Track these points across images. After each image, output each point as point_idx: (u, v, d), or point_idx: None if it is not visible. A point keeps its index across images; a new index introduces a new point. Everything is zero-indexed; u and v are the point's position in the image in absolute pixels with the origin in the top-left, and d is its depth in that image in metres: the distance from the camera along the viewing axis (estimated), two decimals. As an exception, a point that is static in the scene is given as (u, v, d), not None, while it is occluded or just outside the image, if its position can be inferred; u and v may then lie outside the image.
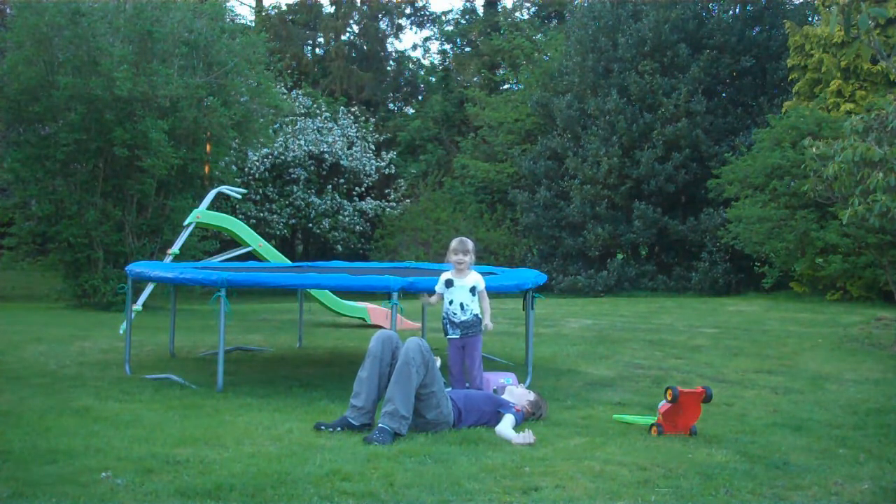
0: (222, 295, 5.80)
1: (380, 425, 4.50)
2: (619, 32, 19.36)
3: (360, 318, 10.93)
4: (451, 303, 5.51)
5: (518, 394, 5.18)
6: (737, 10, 19.71)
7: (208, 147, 14.57)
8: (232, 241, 10.85)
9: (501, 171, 22.87)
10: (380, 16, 29.73)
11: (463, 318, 5.48)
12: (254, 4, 28.63)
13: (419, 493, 3.57)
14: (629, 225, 18.63)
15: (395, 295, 5.75)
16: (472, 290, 5.49)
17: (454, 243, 5.57)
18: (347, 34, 29.32)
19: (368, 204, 22.95)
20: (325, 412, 5.16)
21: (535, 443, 4.48)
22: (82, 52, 12.86)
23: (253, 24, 22.99)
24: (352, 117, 23.35)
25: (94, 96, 12.64)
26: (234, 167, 17.36)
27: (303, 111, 22.27)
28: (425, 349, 4.73)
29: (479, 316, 5.53)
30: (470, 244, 5.57)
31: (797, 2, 20.30)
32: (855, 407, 5.68)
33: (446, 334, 5.56)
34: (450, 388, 5.12)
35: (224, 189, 10.97)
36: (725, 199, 16.33)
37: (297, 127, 21.66)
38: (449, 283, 5.52)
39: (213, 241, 14.74)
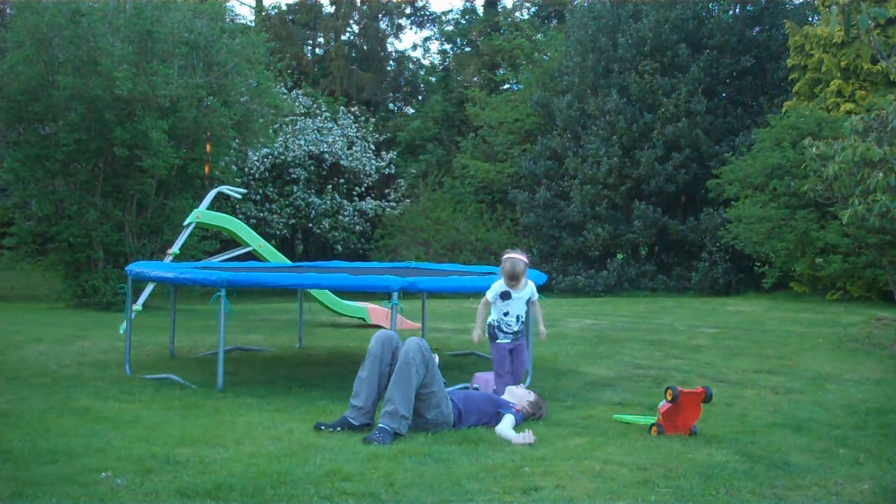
0: (222, 295, 5.80)
1: (380, 425, 4.50)
2: (619, 32, 19.36)
3: (360, 318, 10.93)
4: (506, 314, 5.52)
5: (518, 394, 5.18)
6: (737, 10, 19.71)
7: (208, 147, 14.56)
8: (232, 241, 10.85)
9: (501, 171, 22.85)
10: (380, 16, 29.69)
11: (516, 328, 5.56)
12: (254, 4, 28.61)
13: (419, 493, 3.57)
14: (629, 225, 18.63)
15: (395, 295, 5.75)
16: (528, 301, 5.61)
17: (507, 266, 5.45)
18: (347, 34, 29.30)
19: (368, 204, 22.95)
20: (325, 412, 5.16)
21: (535, 443, 4.48)
22: (82, 52, 12.84)
23: (253, 24, 22.97)
24: (352, 117, 23.34)
25: (94, 96, 12.63)
26: (234, 167, 17.34)
27: (303, 111, 22.25)
28: (425, 349, 4.73)
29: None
30: (520, 268, 5.45)
31: (797, 2, 20.31)
32: (855, 407, 5.67)
33: (494, 339, 5.55)
34: (451, 389, 5.12)
35: (224, 189, 10.97)
36: (725, 199, 16.33)
37: (297, 127, 21.65)
38: (506, 296, 5.51)
39: (213, 241, 14.73)
